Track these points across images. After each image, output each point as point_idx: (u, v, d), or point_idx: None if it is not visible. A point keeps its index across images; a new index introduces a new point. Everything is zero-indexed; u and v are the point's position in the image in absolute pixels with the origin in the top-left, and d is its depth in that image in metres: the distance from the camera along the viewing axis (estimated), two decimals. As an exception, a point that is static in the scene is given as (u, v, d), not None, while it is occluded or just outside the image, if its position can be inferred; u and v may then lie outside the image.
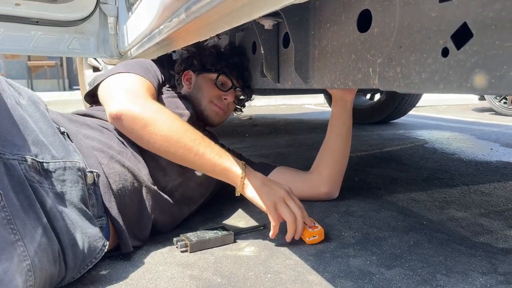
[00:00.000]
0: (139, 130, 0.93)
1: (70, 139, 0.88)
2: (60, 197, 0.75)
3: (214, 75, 1.32)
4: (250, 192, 0.98)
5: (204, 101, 1.30)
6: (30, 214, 0.66)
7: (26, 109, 0.76)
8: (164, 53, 1.40)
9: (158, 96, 1.16)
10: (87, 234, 0.77)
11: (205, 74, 1.34)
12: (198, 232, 1.01)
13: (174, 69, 1.46)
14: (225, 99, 1.30)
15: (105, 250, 0.81)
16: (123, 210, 0.91)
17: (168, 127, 0.93)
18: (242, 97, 1.41)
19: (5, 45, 1.63)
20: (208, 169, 0.96)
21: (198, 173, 1.11)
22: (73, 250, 0.74)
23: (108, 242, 0.82)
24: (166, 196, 1.03)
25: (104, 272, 0.85)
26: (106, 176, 0.89)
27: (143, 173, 0.98)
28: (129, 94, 0.97)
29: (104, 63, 2.63)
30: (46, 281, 0.69)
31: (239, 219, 1.16)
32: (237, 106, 1.49)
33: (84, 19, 1.78)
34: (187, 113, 1.17)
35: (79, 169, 0.80)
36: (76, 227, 0.75)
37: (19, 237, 0.63)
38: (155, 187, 1.00)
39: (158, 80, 1.18)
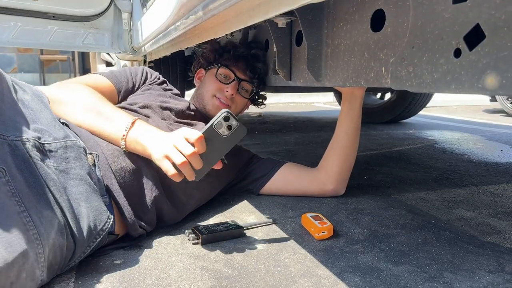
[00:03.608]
0: (54, 107, 0.96)
1: (69, 128, 0.92)
2: (65, 174, 0.80)
3: (216, 69, 1.35)
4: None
5: (207, 95, 1.33)
6: (34, 189, 0.70)
7: (29, 103, 0.82)
8: (177, 50, 1.43)
9: (143, 92, 1.26)
10: (91, 208, 0.82)
11: (211, 70, 1.38)
12: (209, 225, 1.03)
13: (191, 71, 1.52)
14: (226, 91, 1.32)
15: (111, 222, 0.85)
16: (124, 188, 0.95)
17: (73, 104, 0.99)
18: (249, 88, 1.39)
19: (23, 39, 1.66)
20: (104, 138, 0.98)
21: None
22: (79, 222, 0.79)
23: (112, 216, 0.87)
24: (163, 177, 1.04)
25: (118, 262, 0.88)
26: (105, 157, 0.94)
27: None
28: (62, 83, 1.08)
29: (118, 58, 2.66)
30: (56, 251, 0.72)
31: (249, 214, 1.18)
32: (255, 100, 1.50)
33: (99, 15, 1.81)
34: (175, 107, 1.22)
35: (80, 147, 0.85)
36: (80, 201, 0.80)
37: (24, 208, 0.67)
38: (153, 169, 1.02)
39: (132, 80, 1.28)
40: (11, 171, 0.68)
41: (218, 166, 0.90)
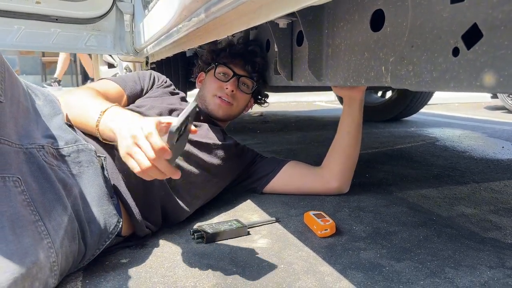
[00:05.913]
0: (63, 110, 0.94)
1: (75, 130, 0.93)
2: (79, 178, 0.82)
3: (214, 69, 1.37)
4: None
5: (208, 95, 1.35)
6: (49, 196, 0.72)
7: (41, 109, 0.84)
8: (179, 51, 1.44)
9: (150, 95, 1.28)
10: (102, 211, 0.84)
11: (210, 71, 1.40)
12: (213, 224, 1.04)
13: (193, 75, 1.54)
14: (226, 88, 1.33)
15: (120, 226, 0.86)
16: (131, 189, 0.96)
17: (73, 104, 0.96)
18: (249, 84, 1.39)
19: (26, 42, 1.67)
20: (87, 130, 0.92)
21: (202, 156, 1.15)
22: (91, 226, 0.80)
23: (121, 220, 0.88)
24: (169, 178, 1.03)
25: (124, 261, 0.89)
26: (112, 158, 0.95)
27: None
28: (73, 89, 1.09)
29: (120, 60, 2.67)
30: (68, 258, 0.74)
31: (252, 212, 1.19)
32: (257, 98, 1.50)
33: (101, 17, 1.82)
34: (181, 109, 1.22)
35: (91, 150, 0.87)
36: (93, 205, 0.82)
37: (39, 217, 0.69)
38: None
39: (141, 83, 1.29)
40: (26, 180, 0.69)
41: (193, 132, 0.80)
